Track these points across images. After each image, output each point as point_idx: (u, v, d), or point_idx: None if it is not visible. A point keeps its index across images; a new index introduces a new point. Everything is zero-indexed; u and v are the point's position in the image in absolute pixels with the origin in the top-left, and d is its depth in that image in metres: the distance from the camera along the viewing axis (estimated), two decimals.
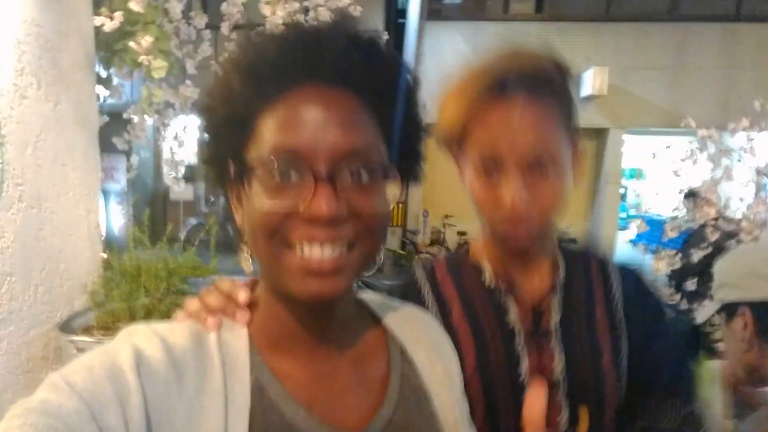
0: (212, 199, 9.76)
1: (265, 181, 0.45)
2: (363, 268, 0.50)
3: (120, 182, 7.87)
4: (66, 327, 1.56)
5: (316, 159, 0.45)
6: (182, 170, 2.12)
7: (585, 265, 0.84)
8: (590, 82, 8.28)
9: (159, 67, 1.49)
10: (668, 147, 3.11)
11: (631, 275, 0.85)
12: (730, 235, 2.52)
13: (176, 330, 0.49)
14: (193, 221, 8.95)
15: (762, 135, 2.78)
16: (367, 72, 0.48)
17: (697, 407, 0.83)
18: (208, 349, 0.49)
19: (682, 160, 2.83)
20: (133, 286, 1.66)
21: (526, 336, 0.77)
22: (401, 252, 7.99)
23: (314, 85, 0.47)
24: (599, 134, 8.90)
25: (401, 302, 0.66)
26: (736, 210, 2.69)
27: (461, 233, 7.93)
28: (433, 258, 0.87)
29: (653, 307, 0.85)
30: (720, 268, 1.13)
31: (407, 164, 0.53)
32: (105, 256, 1.85)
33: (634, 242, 9.16)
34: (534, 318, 0.78)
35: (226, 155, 0.49)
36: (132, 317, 1.60)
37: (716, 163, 2.75)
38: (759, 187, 2.63)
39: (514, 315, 0.78)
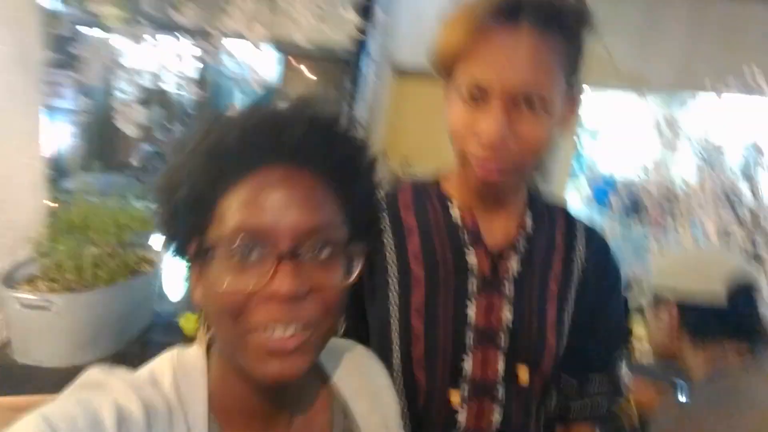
0: (170, 125, 9.36)
1: (227, 261, 0.46)
2: (323, 346, 0.51)
3: (66, 99, 7.40)
4: (9, 279, 1.53)
5: (277, 237, 0.45)
6: (136, 116, 2.01)
7: (552, 220, 0.82)
8: None
9: (113, 15, 1.39)
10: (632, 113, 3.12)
11: (597, 241, 0.83)
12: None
13: (146, 385, 0.49)
14: (147, 147, 8.61)
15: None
16: (327, 152, 0.49)
17: (618, 389, 0.86)
18: (173, 406, 0.49)
19: (639, 142, 2.93)
20: (80, 239, 1.62)
21: (481, 280, 0.75)
22: None
23: (275, 166, 0.48)
24: None
25: (349, 344, 0.67)
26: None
27: None
28: (398, 182, 0.83)
29: (612, 278, 0.84)
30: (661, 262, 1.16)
31: (366, 239, 0.53)
32: (51, 204, 1.78)
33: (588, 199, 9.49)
34: (492, 264, 0.76)
35: (187, 235, 0.49)
36: (79, 271, 1.58)
37: (669, 145, 2.86)
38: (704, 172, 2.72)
39: (473, 256, 0.75)
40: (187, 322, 1.71)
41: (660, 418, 1.04)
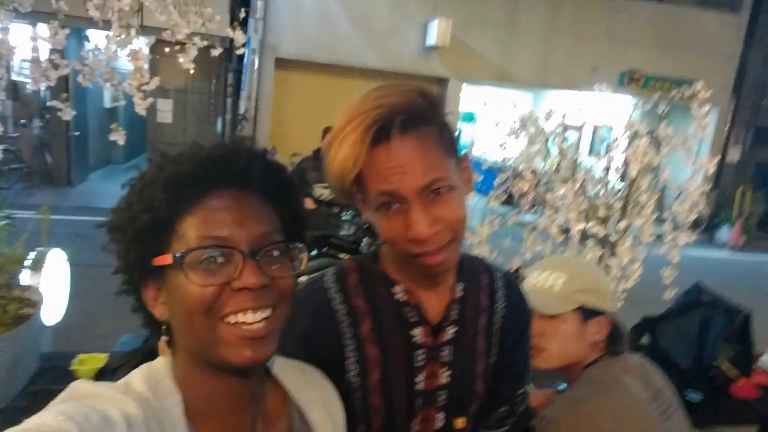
0: (23, 121, 8.28)
1: (196, 266, 0.56)
2: (282, 332, 0.62)
3: None
4: None
5: (238, 243, 0.57)
6: None
7: (476, 276, 0.90)
8: (435, 32, 8.61)
9: None
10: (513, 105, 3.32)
11: (513, 289, 0.93)
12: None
13: (130, 392, 0.55)
14: None
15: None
16: (262, 177, 0.62)
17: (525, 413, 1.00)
18: (157, 410, 0.55)
19: (507, 136, 3.21)
20: None
21: (426, 353, 0.83)
22: None
23: (224, 190, 0.59)
24: (441, 83, 9.42)
25: (300, 363, 0.76)
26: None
27: None
28: (343, 264, 0.88)
29: (526, 317, 0.96)
30: (576, 270, 1.22)
31: (300, 237, 0.66)
32: None
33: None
34: (433, 332, 0.84)
35: (149, 256, 0.58)
36: None
37: (532, 142, 3.18)
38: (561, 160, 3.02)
39: (418, 332, 0.83)
40: (82, 364, 1.61)
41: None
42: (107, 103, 10.01)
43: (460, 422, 0.87)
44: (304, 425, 0.69)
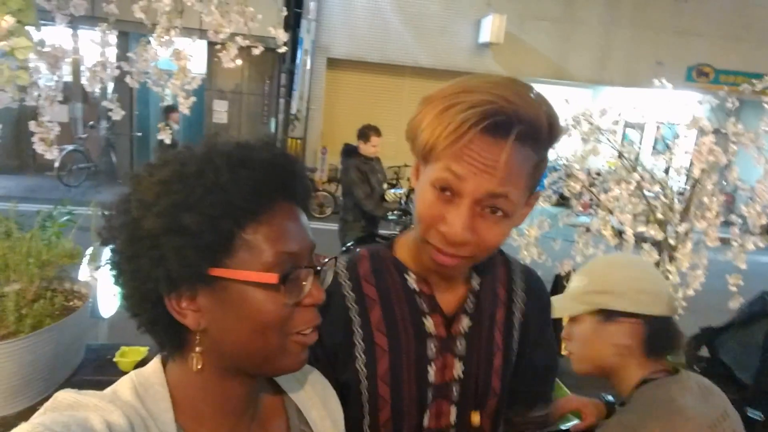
0: (91, 123, 8.81)
1: (267, 283, 0.53)
2: None
3: None
4: None
5: (306, 258, 0.58)
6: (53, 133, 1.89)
7: (494, 273, 0.87)
8: (489, 28, 8.44)
9: (23, 47, 1.31)
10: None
11: (533, 282, 0.90)
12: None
13: (116, 400, 0.53)
14: (68, 147, 8.09)
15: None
16: (305, 189, 0.61)
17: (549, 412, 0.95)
18: (144, 416, 0.54)
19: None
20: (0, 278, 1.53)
21: (438, 343, 0.81)
22: None
23: (286, 202, 0.58)
24: None
25: None
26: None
27: None
28: (358, 251, 0.87)
29: (548, 313, 0.92)
30: (599, 272, 1.15)
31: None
32: None
33: None
34: (446, 323, 0.82)
35: (202, 265, 0.52)
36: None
37: (586, 140, 3.03)
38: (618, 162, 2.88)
39: (430, 322, 0.81)
40: (123, 356, 1.66)
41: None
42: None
43: (475, 417, 0.82)
44: (302, 423, 0.68)
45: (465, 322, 0.83)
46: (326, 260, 0.61)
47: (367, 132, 4.26)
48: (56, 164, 7.46)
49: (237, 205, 0.52)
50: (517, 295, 0.88)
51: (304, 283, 0.56)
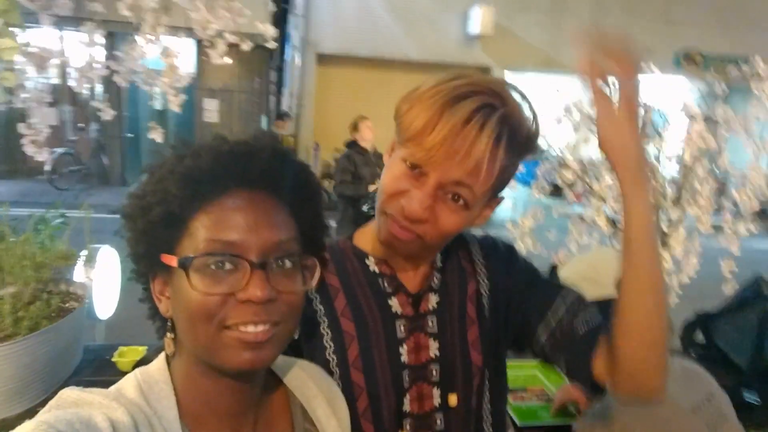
0: (81, 125, 8.74)
1: (203, 270, 0.53)
2: (286, 343, 0.59)
3: None
4: None
5: (249, 251, 0.53)
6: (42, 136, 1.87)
7: (456, 247, 0.88)
8: (478, 20, 8.43)
9: (8, 48, 1.29)
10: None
11: (486, 241, 0.92)
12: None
13: (120, 398, 0.54)
14: (59, 150, 8.02)
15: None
16: (284, 179, 0.58)
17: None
18: (148, 414, 0.54)
19: (550, 123, 3.08)
20: None
21: (407, 320, 0.81)
22: None
23: (242, 190, 0.56)
24: (483, 72, 9.21)
25: (301, 360, 0.73)
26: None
27: None
28: None
29: (511, 257, 0.91)
30: (593, 265, 1.21)
31: (317, 253, 0.62)
32: None
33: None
34: (413, 302, 0.82)
35: (157, 251, 0.55)
36: None
37: (578, 129, 3.04)
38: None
39: (395, 302, 0.81)
40: (122, 356, 1.66)
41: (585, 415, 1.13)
42: (158, 105, 10.41)
43: (452, 399, 0.81)
44: (307, 422, 0.68)
45: (433, 300, 0.83)
46: (282, 257, 0.56)
47: (355, 122, 4.44)
48: (47, 167, 7.40)
49: (174, 194, 0.53)
50: (478, 265, 0.89)
51: (240, 277, 0.53)
